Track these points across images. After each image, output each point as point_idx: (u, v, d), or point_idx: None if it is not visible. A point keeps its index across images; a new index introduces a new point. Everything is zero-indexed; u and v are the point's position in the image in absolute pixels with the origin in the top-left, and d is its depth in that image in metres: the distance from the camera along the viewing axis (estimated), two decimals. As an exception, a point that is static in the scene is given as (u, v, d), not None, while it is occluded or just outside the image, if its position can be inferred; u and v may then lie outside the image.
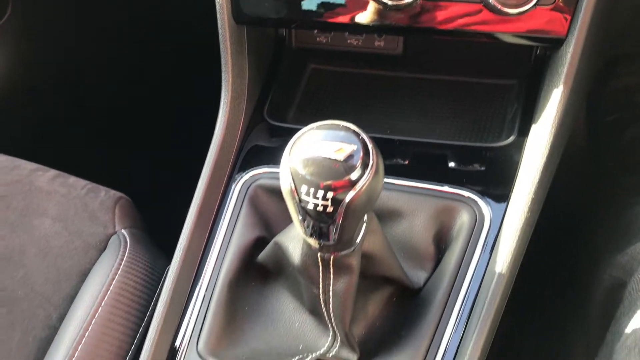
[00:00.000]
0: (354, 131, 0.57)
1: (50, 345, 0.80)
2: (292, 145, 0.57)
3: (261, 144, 0.90)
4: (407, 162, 0.86)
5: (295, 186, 0.56)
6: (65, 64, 1.61)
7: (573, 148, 1.14)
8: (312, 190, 0.55)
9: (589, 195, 1.19)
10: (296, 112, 0.96)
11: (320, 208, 0.56)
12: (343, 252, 0.64)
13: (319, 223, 0.59)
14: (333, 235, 0.59)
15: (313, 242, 0.62)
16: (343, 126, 0.58)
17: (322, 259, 0.65)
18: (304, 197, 0.56)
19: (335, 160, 0.55)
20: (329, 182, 0.55)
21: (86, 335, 0.76)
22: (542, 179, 0.76)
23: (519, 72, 0.94)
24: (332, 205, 0.56)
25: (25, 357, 0.81)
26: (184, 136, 1.28)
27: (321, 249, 0.63)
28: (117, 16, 1.48)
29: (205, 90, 0.96)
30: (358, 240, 0.65)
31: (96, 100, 1.53)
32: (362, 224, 0.65)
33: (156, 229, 0.98)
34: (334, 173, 0.55)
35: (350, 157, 0.55)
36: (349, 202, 0.55)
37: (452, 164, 0.84)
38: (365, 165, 0.55)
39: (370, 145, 0.56)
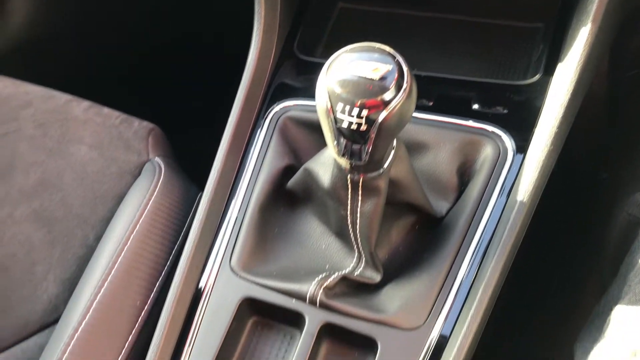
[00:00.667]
0: (389, 53, 0.59)
1: (88, 262, 0.84)
2: (329, 65, 0.60)
3: (291, 78, 0.93)
4: (433, 98, 0.87)
5: (331, 105, 0.59)
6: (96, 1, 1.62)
7: (592, 99, 1.15)
8: (347, 108, 0.58)
9: (607, 142, 1.21)
10: (324, 48, 0.98)
11: (354, 126, 0.59)
12: (372, 174, 0.67)
13: (351, 142, 0.62)
14: (364, 154, 0.62)
15: (344, 163, 0.65)
16: (379, 48, 0.60)
17: (352, 181, 0.68)
18: (339, 115, 0.59)
19: (370, 80, 0.57)
20: (363, 101, 0.57)
21: (123, 254, 0.80)
22: (566, 114, 0.78)
23: (546, 14, 0.94)
24: (365, 123, 0.58)
25: (64, 272, 0.86)
26: (215, 70, 1.30)
27: (352, 170, 0.66)
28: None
29: (236, 25, 0.98)
30: (387, 164, 0.67)
31: (126, 37, 1.55)
32: (392, 149, 0.68)
33: (186, 161, 1.02)
34: (369, 92, 0.57)
35: (385, 77, 0.57)
36: (381, 121, 0.58)
37: (477, 100, 0.85)
38: (399, 87, 0.58)
39: (405, 68, 0.58)
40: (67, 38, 1.66)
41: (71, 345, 0.73)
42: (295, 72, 0.94)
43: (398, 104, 0.58)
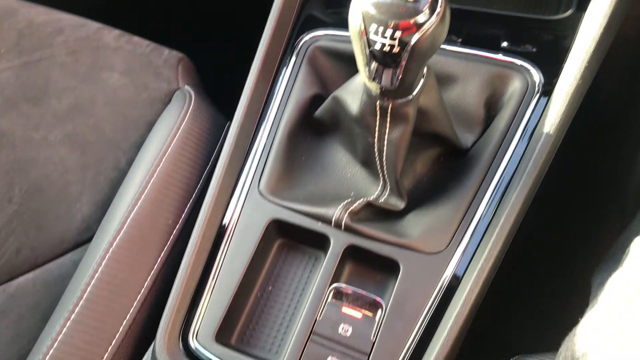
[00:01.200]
0: None
1: (121, 185, 0.87)
2: None
3: (320, 8, 0.93)
4: (463, 33, 0.87)
5: (364, 26, 0.59)
6: None
7: (623, 40, 1.13)
8: (380, 29, 0.58)
9: (634, 84, 1.20)
10: None
11: (387, 48, 0.59)
12: (401, 100, 0.68)
13: (383, 66, 0.62)
14: (395, 79, 0.63)
15: (374, 88, 0.66)
16: None
17: (381, 107, 0.69)
18: (372, 36, 0.59)
19: (404, 2, 0.58)
20: (397, 22, 0.57)
21: (155, 176, 0.83)
22: (597, 49, 0.77)
23: None
24: (398, 45, 0.59)
25: (97, 194, 0.89)
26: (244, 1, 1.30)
27: (381, 95, 0.67)
28: None
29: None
30: (416, 90, 0.68)
31: None
32: (422, 76, 0.68)
33: (214, 92, 1.03)
34: (403, 14, 0.57)
35: (419, 0, 0.58)
36: (414, 44, 0.58)
37: (508, 35, 0.85)
38: (432, 10, 0.58)
39: None
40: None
41: (106, 259, 0.77)
42: (324, 3, 0.93)
43: (431, 27, 0.58)
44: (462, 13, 0.88)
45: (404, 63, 0.61)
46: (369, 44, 0.60)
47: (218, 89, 1.04)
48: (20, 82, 0.98)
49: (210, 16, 1.42)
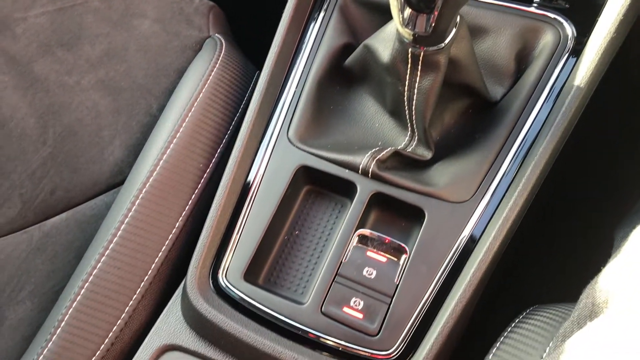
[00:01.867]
0: None
1: (152, 130, 0.89)
2: None
3: None
4: None
5: None
6: None
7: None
8: None
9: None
10: None
11: (422, -7, 0.60)
12: (433, 48, 0.68)
13: (417, 12, 0.63)
14: (428, 25, 0.63)
15: (407, 34, 0.66)
16: None
17: (412, 55, 0.69)
18: None
19: None
20: None
21: (186, 119, 0.84)
22: (634, 2, 0.77)
23: None
24: (433, -10, 0.59)
25: (129, 138, 0.91)
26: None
27: (414, 41, 0.67)
28: None
29: None
30: (448, 39, 0.68)
31: None
32: (454, 25, 0.68)
33: (244, 40, 1.04)
34: None
35: None
36: None
37: None
38: None
39: None
40: None
41: (139, 199, 0.79)
42: None
43: None
44: None
45: (437, 8, 0.61)
46: None
47: (248, 38, 1.04)
48: (54, 27, 0.99)
49: None
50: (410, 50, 0.69)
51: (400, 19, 0.64)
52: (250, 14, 1.15)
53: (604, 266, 0.64)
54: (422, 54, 0.68)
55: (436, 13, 0.61)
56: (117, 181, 0.90)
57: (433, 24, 0.63)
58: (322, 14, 0.88)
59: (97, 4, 1.00)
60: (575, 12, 0.81)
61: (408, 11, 0.63)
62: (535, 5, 0.82)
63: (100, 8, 1.00)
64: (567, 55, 0.78)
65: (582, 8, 0.81)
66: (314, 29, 0.87)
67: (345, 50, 0.85)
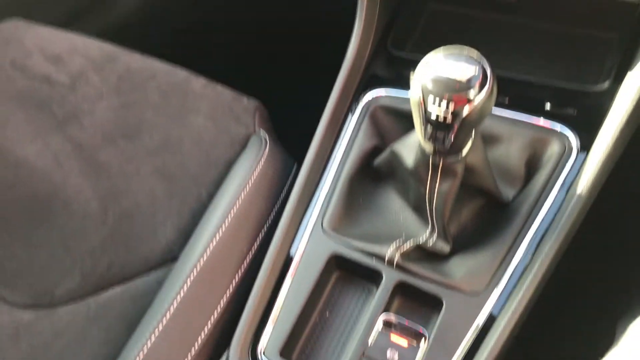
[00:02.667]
0: (476, 55, 0.71)
1: (203, 216, 1.00)
2: (425, 64, 0.72)
3: (382, 69, 1.05)
4: (510, 96, 0.98)
5: (423, 98, 0.71)
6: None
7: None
8: (437, 101, 0.70)
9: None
10: (415, 45, 1.10)
11: (441, 118, 0.71)
12: (451, 159, 0.79)
13: (437, 130, 0.74)
14: (447, 141, 0.74)
15: (428, 147, 0.77)
16: (468, 51, 0.71)
17: (433, 163, 0.80)
18: (429, 107, 0.71)
19: (459, 79, 0.69)
20: (451, 96, 0.69)
21: (234, 210, 0.96)
22: (629, 121, 0.87)
23: (622, 26, 1.02)
24: (451, 116, 0.70)
25: (180, 222, 1.02)
26: (317, 56, 1.44)
27: (434, 153, 0.78)
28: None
29: (340, 20, 1.11)
30: (465, 151, 0.79)
31: (234, 11, 1.72)
32: (470, 138, 0.79)
33: (284, 135, 1.17)
34: (456, 90, 0.69)
35: (471, 78, 0.69)
36: (465, 115, 0.70)
37: (550, 102, 0.96)
38: (482, 87, 0.69)
39: (488, 70, 0.70)
40: (178, 14, 1.84)
41: (191, 277, 0.90)
42: (386, 65, 1.06)
43: (480, 101, 0.69)
44: (510, 80, 0.99)
45: (455, 130, 0.72)
46: (426, 112, 0.72)
47: (289, 132, 1.17)
48: (118, 119, 1.13)
49: (288, 69, 1.57)
50: (431, 159, 0.80)
51: (423, 135, 0.76)
52: (292, 113, 1.28)
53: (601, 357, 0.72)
54: (441, 163, 0.79)
55: (454, 133, 0.73)
56: (167, 260, 1.01)
57: (451, 141, 0.74)
58: (355, 119, 1.00)
59: (157, 100, 1.14)
60: (580, 124, 0.92)
61: (430, 129, 0.74)
62: (543, 116, 0.93)
63: (159, 104, 1.14)
64: (571, 164, 0.89)
65: (585, 121, 0.92)
66: (347, 131, 0.99)
67: (375, 151, 0.97)
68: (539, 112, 0.94)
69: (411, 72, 0.73)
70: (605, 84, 0.95)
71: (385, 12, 1.08)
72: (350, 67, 1.03)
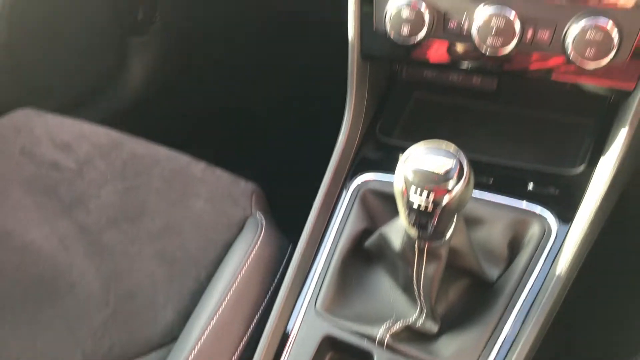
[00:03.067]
0: (453, 149, 0.77)
1: (201, 297, 1.04)
2: (406, 157, 0.78)
3: (372, 155, 1.12)
4: (492, 180, 1.04)
5: (405, 188, 0.77)
6: (203, 65, 1.91)
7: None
8: (418, 191, 0.76)
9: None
10: (401, 131, 1.17)
11: (422, 207, 0.76)
12: (435, 243, 0.84)
13: (420, 218, 0.79)
14: (430, 228, 0.80)
15: (413, 233, 0.83)
16: (446, 145, 0.78)
17: (419, 247, 0.85)
18: (411, 197, 0.76)
19: (437, 171, 0.75)
20: (431, 187, 0.75)
21: (231, 291, 1.00)
22: (603, 205, 0.93)
23: (597, 111, 1.10)
24: (432, 205, 0.76)
25: (180, 304, 1.06)
26: (310, 141, 1.52)
27: (419, 238, 0.83)
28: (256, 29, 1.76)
29: (331, 107, 1.19)
30: (448, 235, 0.84)
31: (230, 99, 1.82)
32: (452, 223, 0.85)
33: (280, 215, 1.22)
34: (436, 181, 0.75)
35: (449, 170, 0.75)
36: (445, 204, 0.75)
37: (529, 185, 1.01)
38: (459, 178, 0.75)
39: (465, 162, 0.76)
40: (176, 95, 1.94)
41: (190, 358, 0.93)
42: (375, 150, 1.13)
43: (458, 191, 0.75)
44: (491, 164, 1.06)
45: (436, 217, 0.78)
46: (409, 201, 0.77)
47: (285, 212, 1.23)
48: (122, 203, 1.19)
49: (285, 151, 1.65)
50: (416, 243, 0.85)
51: (407, 222, 0.81)
52: (287, 195, 1.34)
53: None
54: (426, 247, 0.84)
55: (435, 220, 0.78)
56: (167, 340, 1.04)
57: (433, 227, 0.79)
58: (346, 202, 1.06)
59: (159, 185, 1.21)
60: (558, 207, 0.97)
61: (413, 216, 0.80)
62: (524, 199, 0.99)
63: (162, 189, 1.20)
64: (551, 245, 0.93)
65: (563, 204, 0.98)
66: (339, 215, 1.05)
67: (365, 233, 1.02)
68: (519, 194, 1.00)
69: (400, 155, 0.79)
70: (581, 168, 1.01)
71: (374, 101, 1.16)
72: (341, 153, 1.09)
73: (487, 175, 1.04)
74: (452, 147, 0.77)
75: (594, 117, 1.10)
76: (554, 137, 1.11)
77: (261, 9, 1.81)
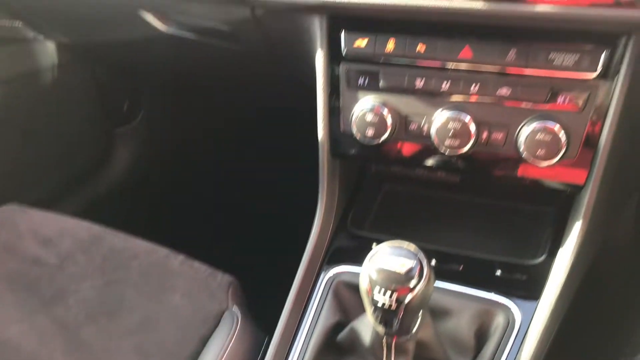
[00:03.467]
0: (414, 249, 0.82)
1: None
2: (370, 258, 0.82)
3: (343, 248, 1.16)
4: (457, 270, 1.08)
5: (370, 287, 0.81)
6: (179, 160, 1.98)
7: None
8: (382, 291, 0.80)
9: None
10: (373, 223, 1.22)
11: (386, 306, 0.80)
12: (402, 338, 0.87)
13: (385, 315, 0.83)
14: (395, 325, 0.83)
15: (380, 330, 0.86)
16: (407, 245, 0.83)
17: (387, 342, 0.88)
18: (376, 296, 0.80)
19: (399, 271, 0.80)
20: (393, 287, 0.79)
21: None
22: (562, 294, 0.97)
23: (556, 201, 1.16)
24: (395, 303, 0.80)
25: (156, 399, 1.08)
26: (281, 233, 1.57)
27: (386, 334, 0.87)
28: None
29: (304, 201, 1.24)
30: (414, 330, 0.88)
31: (203, 191, 1.88)
32: (418, 318, 0.88)
33: (256, 306, 1.25)
34: (398, 281, 0.79)
35: (410, 270, 0.79)
36: (407, 302, 0.79)
37: (494, 275, 1.06)
38: (420, 277, 0.79)
39: (424, 262, 0.81)
40: (159, 186, 2.00)
41: None
42: (347, 243, 1.17)
43: (419, 290, 0.79)
44: (457, 256, 1.10)
45: (400, 314, 0.81)
46: (373, 300, 0.81)
47: (262, 304, 1.25)
48: (100, 298, 1.21)
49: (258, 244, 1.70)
50: (384, 339, 0.88)
51: (373, 319, 0.85)
52: (264, 285, 1.37)
53: None
54: (393, 342, 0.87)
55: (400, 317, 0.82)
56: None
57: (398, 324, 0.83)
58: (319, 294, 1.09)
59: (137, 279, 1.23)
60: (521, 296, 1.01)
61: (379, 314, 0.83)
62: (489, 290, 1.03)
63: (140, 283, 1.23)
64: (515, 334, 0.97)
65: (526, 293, 1.02)
66: (313, 306, 1.08)
67: (338, 327, 1.04)
68: (484, 285, 1.04)
69: (374, 245, 0.83)
70: (542, 258, 1.06)
71: (345, 194, 1.21)
72: (314, 246, 1.14)
73: (453, 265, 1.09)
74: (412, 247, 0.82)
75: (554, 206, 1.16)
76: (517, 227, 1.17)
77: (238, 106, 1.91)
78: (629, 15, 0.83)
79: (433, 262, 1.07)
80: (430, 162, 1.07)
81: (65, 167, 1.92)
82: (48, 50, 1.79)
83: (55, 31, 1.69)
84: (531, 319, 0.98)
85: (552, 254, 1.05)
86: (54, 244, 1.33)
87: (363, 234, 1.18)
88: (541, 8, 0.86)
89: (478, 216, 1.20)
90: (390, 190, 1.28)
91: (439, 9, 0.91)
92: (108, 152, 2.06)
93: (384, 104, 1.02)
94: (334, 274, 1.11)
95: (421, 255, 0.81)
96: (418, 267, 0.80)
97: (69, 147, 1.92)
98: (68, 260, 1.29)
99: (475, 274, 1.07)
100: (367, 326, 0.94)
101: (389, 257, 0.81)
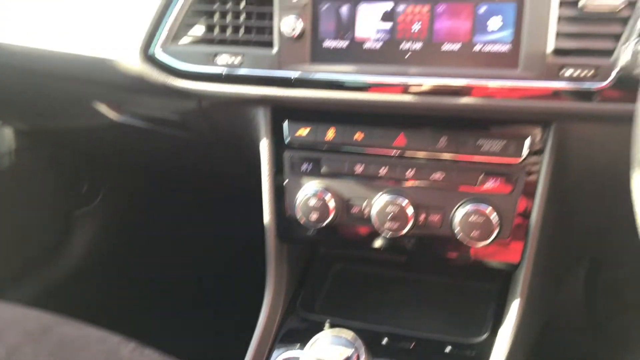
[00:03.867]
0: (352, 337, 0.84)
1: None
2: (311, 345, 0.85)
3: (294, 329, 1.17)
4: (409, 349, 1.10)
5: None
6: (136, 242, 1.99)
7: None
8: None
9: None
10: (323, 304, 1.24)
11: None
12: None
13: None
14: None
15: None
16: (345, 334, 0.85)
17: None
18: None
19: None
20: None
21: None
22: None
23: (498, 277, 1.20)
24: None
25: None
26: (232, 315, 1.57)
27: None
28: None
29: (252, 285, 1.26)
30: None
31: (156, 273, 1.88)
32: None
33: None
34: None
35: (348, 358, 0.82)
36: None
37: (444, 353, 1.08)
38: None
39: (362, 349, 0.83)
40: (117, 270, 1.99)
41: None
42: (297, 325, 1.18)
43: None
44: (404, 336, 1.12)
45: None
46: None
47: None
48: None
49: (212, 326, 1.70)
50: None
51: None
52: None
53: None
54: None
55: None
56: None
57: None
58: None
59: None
60: None
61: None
62: None
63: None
64: None
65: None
66: None
67: None
68: (431, 363, 1.06)
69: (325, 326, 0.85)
70: (485, 335, 1.08)
71: (294, 277, 1.23)
72: (263, 329, 1.14)
73: (405, 344, 1.10)
74: (350, 335, 0.84)
75: (497, 282, 1.20)
76: (463, 304, 1.20)
77: (194, 188, 1.94)
78: (550, 105, 0.90)
79: (385, 340, 1.09)
80: (374, 243, 1.10)
81: (19, 253, 1.90)
82: (5, 136, 1.81)
83: (13, 118, 1.72)
84: None
85: (494, 332, 1.07)
86: (3, 336, 1.31)
87: (313, 317, 1.19)
88: (465, 100, 0.92)
89: (426, 294, 1.23)
90: (340, 270, 1.31)
91: (372, 102, 0.97)
92: (66, 235, 2.05)
93: (327, 189, 1.06)
94: (283, 359, 1.11)
95: (358, 343, 0.84)
96: (355, 356, 0.82)
97: (24, 231, 1.91)
98: (16, 353, 1.26)
99: (426, 352, 1.08)
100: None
101: (329, 346, 0.83)
